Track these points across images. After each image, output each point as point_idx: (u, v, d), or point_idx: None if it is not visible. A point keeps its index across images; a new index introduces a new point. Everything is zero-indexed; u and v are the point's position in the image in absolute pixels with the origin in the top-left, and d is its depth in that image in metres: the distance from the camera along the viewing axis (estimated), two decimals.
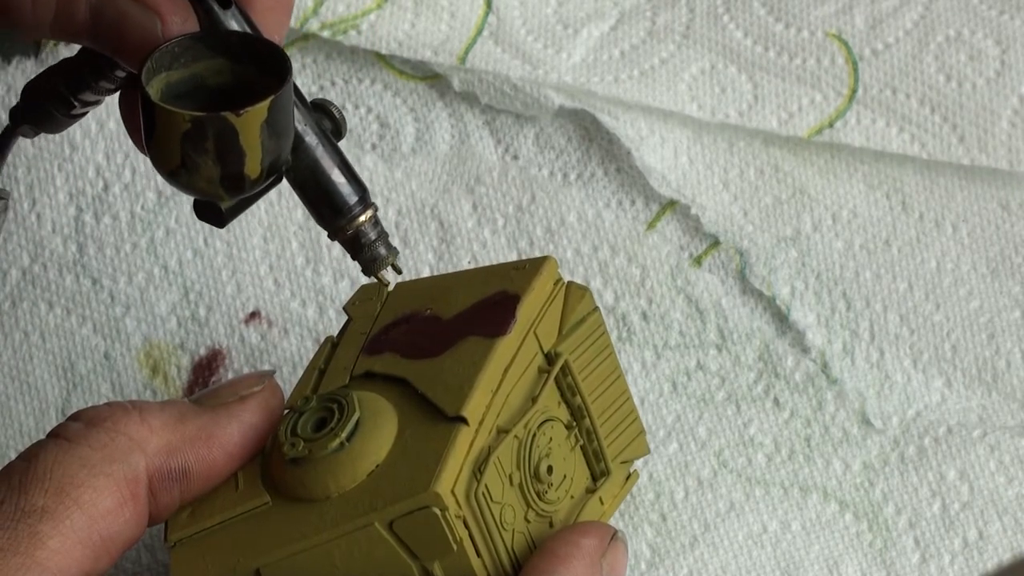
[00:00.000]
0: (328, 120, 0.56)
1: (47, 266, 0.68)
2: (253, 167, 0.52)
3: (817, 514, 0.63)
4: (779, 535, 0.63)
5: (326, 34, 0.69)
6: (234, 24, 0.54)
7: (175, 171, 0.52)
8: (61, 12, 0.54)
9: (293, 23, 0.69)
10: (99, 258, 0.68)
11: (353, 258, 0.57)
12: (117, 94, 0.58)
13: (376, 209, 0.56)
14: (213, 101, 0.53)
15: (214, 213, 0.54)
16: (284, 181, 0.55)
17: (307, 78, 0.71)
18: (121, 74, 0.57)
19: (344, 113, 0.56)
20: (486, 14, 0.70)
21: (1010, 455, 0.64)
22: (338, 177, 0.55)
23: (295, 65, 0.71)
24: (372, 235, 0.56)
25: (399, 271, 0.57)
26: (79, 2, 0.53)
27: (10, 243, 0.68)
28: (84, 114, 0.60)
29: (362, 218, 0.56)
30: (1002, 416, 0.65)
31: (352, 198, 0.56)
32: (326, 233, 0.56)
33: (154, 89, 0.52)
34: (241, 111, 0.50)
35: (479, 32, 0.69)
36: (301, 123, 0.55)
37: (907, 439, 0.65)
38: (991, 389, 0.66)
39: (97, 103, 0.59)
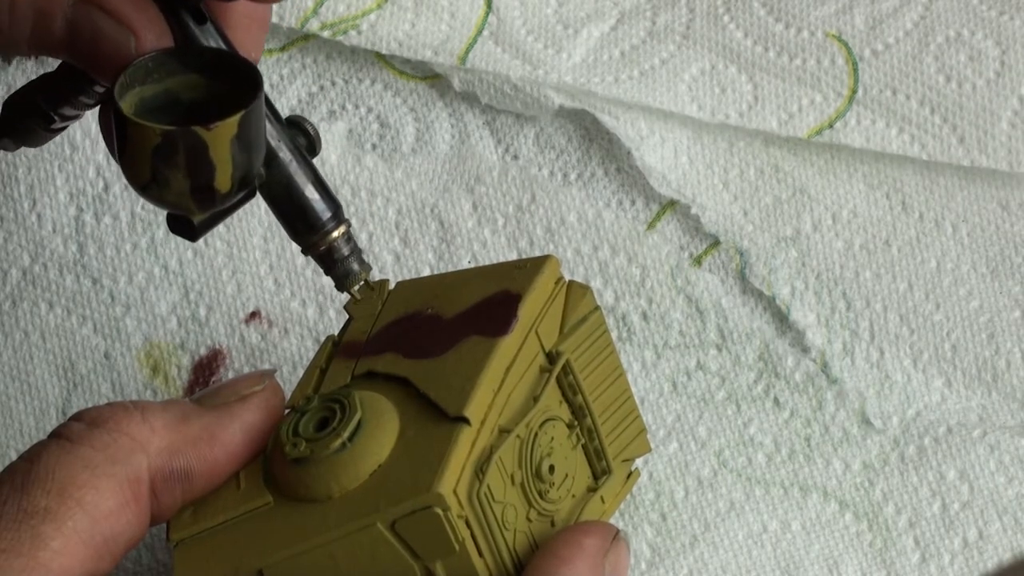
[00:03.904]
0: (302, 136, 0.57)
1: (47, 266, 0.68)
2: (223, 181, 0.52)
3: (817, 514, 0.63)
4: (779, 535, 0.63)
5: (326, 34, 0.69)
6: (209, 40, 0.55)
7: (147, 185, 0.52)
8: (38, 28, 0.54)
9: (293, 23, 0.69)
10: (99, 258, 0.68)
11: (326, 273, 0.57)
12: (97, 108, 0.59)
13: (349, 225, 0.57)
14: (186, 116, 0.53)
15: (186, 227, 0.54)
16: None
17: (307, 78, 0.71)
18: (100, 89, 0.57)
19: (319, 130, 0.57)
20: (486, 14, 0.70)
21: (1010, 455, 0.64)
22: (312, 193, 0.56)
23: (295, 65, 0.71)
24: (345, 251, 0.57)
25: (372, 288, 0.58)
26: (55, 18, 0.54)
27: (10, 243, 0.68)
28: (64, 128, 0.60)
29: (335, 234, 0.56)
30: (1002, 416, 0.65)
31: (326, 214, 0.56)
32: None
33: (127, 104, 0.52)
34: (212, 125, 0.51)
35: (479, 32, 0.69)
36: (275, 139, 0.55)
37: (907, 439, 0.65)
38: (991, 389, 0.66)
39: (77, 117, 0.60)
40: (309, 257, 0.57)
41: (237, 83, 0.53)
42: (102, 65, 0.54)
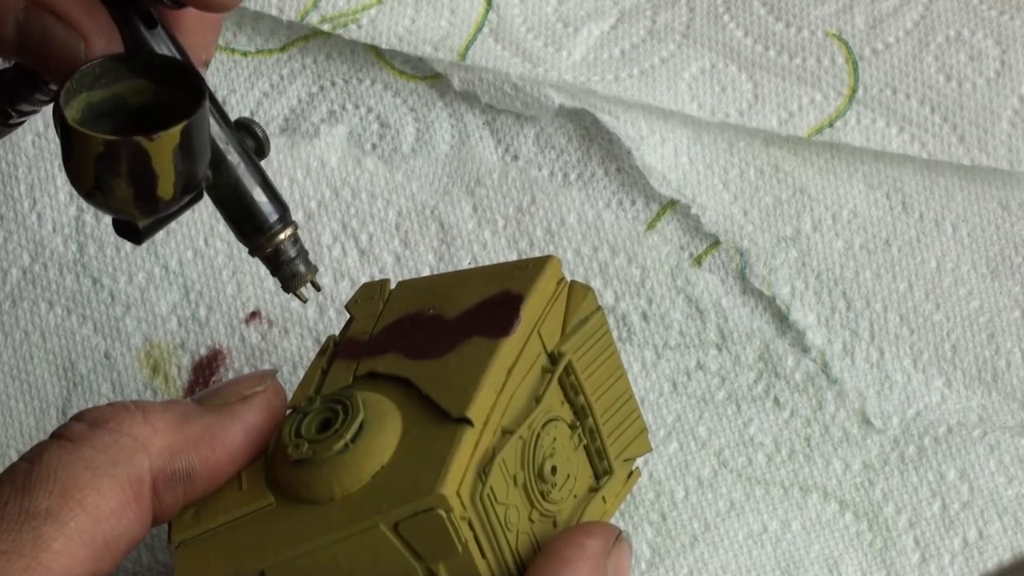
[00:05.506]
0: (251, 139, 0.57)
1: (47, 266, 0.68)
2: (166, 189, 0.52)
3: (817, 514, 0.63)
4: (779, 535, 0.63)
5: (326, 27, 0.69)
6: (160, 44, 0.55)
7: (91, 192, 0.52)
8: None
9: (293, 16, 0.69)
10: (99, 258, 0.68)
11: (272, 275, 0.58)
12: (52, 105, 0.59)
13: (296, 227, 0.57)
14: (134, 120, 0.53)
15: (132, 231, 0.55)
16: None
17: (307, 78, 0.70)
18: (54, 87, 0.57)
19: (267, 132, 0.58)
20: (486, 11, 0.70)
21: (1010, 455, 0.64)
22: (259, 196, 0.56)
23: (295, 65, 0.71)
24: (292, 252, 0.57)
25: (318, 288, 0.58)
26: (6, 20, 0.54)
27: (10, 243, 0.68)
28: (22, 123, 0.61)
29: (282, 236, 0.57)
30: (1002, 416, 0.65)
31: (273, 216, 0.57)
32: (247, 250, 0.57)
33: (74, 109, 0.53)
34: (154, 136, 0.51)
35: (479, 29, 0.69)
36: (224, 141, 0.56)
37: (907, 439, 0.65)
38: (991, 389, 0.66)
39: (34, 112, 0.60)
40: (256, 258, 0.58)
41: (184, 89, 0.53)
42: (52, 69, 0.54)
